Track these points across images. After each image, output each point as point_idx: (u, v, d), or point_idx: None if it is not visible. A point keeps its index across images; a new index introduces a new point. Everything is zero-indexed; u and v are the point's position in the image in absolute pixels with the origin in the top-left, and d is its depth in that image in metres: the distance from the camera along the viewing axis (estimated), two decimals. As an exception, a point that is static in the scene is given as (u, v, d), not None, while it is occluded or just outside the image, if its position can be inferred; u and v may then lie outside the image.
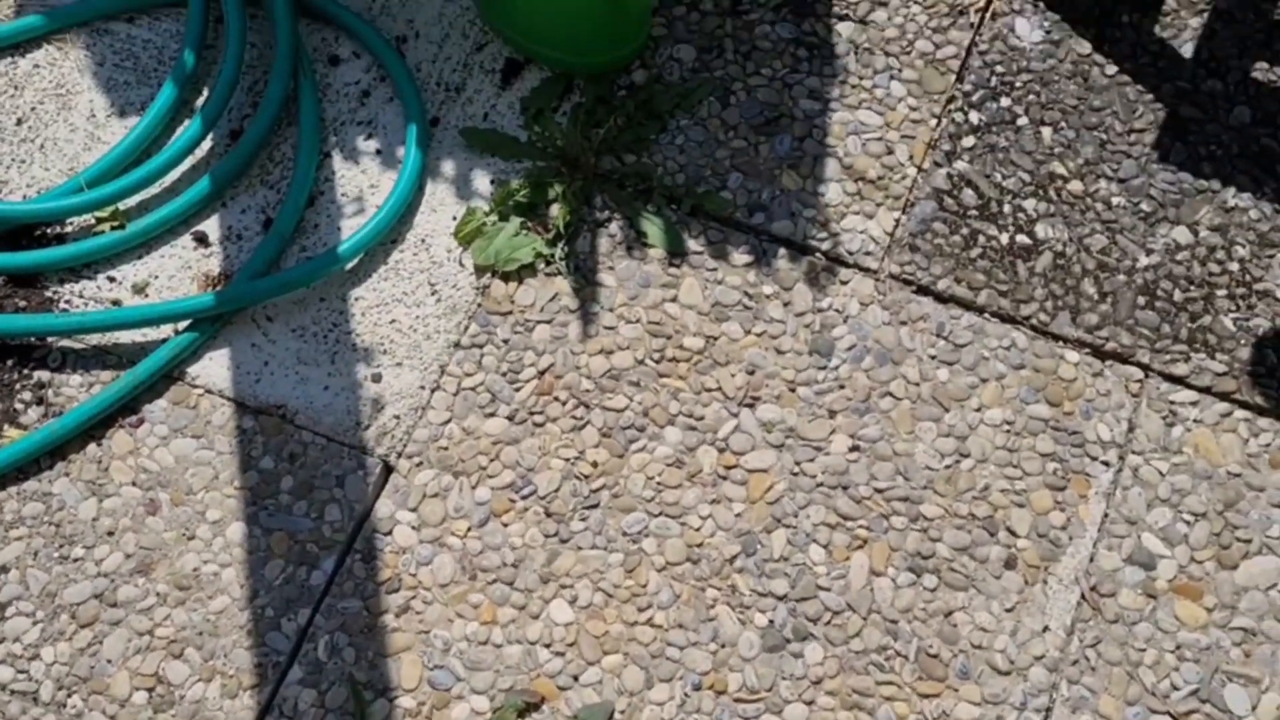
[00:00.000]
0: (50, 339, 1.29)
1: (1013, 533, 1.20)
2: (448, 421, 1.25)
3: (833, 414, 1.25)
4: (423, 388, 1.27)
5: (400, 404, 1.26)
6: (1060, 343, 1.27)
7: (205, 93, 1.41)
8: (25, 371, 1.28)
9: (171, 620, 1.17)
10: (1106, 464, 1.22)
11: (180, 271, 1.33)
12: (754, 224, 1.33)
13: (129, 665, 1.16)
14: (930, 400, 1.25)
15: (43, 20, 1.43)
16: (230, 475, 1.23)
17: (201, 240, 1.34)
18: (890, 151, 1.37)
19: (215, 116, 1.36)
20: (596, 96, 1.39)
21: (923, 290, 1.30)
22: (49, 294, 1.31)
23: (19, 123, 1.40)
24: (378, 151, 1.38)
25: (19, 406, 1.26)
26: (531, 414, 1.26)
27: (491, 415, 1.26)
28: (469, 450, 1.24)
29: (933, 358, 1.27)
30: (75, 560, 1.20)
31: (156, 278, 1.32)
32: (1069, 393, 1.25)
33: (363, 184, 1.37)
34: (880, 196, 1.34)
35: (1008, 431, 1.24)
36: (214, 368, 1.28)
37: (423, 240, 1.34)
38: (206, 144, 1.38)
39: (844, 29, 1.43)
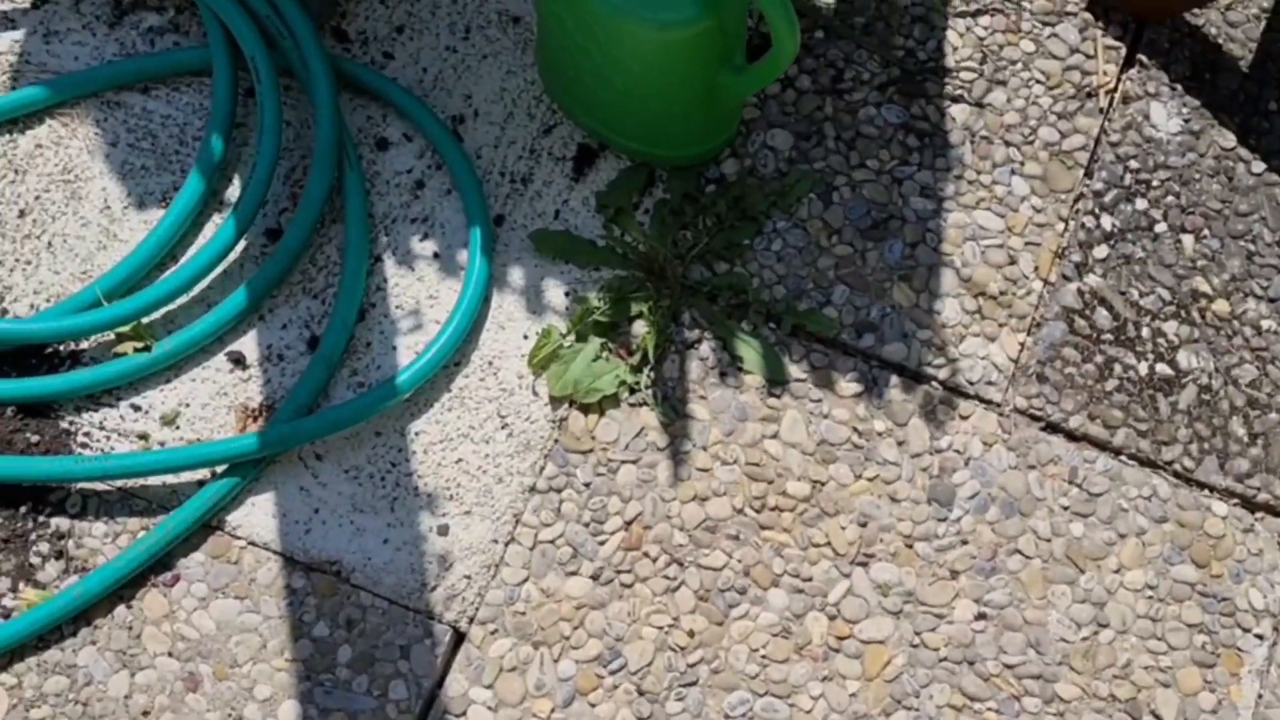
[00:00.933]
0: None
1: (1158, 717, 1.08)
2: (525, 581, 1.12)
3: (955, 574, 1.12)
4: (495, 541, 1.13)
5: (471, 561, 1.12)
6: (1206, 492, 1.15)
7: (236, 182, 1.24)
8: (41, 519, 1.13)
9: (219, 819, 1.05)
10: (1260, 637, 1.10)
11: (215, 399, 1.17)
12: (863, 347, 1.19)
13: None
14: (1063, 559, 1.13)
15: (45, 91, 1.25)
16: (280, 644, 1.10)
17: (238, 362, 1.18)
18: (1013, 261, 1.22)
19: (250, 217, 1.19)
20: (682, 193, 1.23)
21: (1052, 428, 1.17)
22: (65, 425, 1.16)
23: (21, 215, 1.23)
24: (435, 255, 1.22)
25: (35, 560, 1.12)
26: (619, 572, 1.12)
27: (574, 574, 1.12)
28: (549, 616, 1.11)
29: (1065, 509, 1.14)
30: (107, 746, 1.07)
31: (188, 406, 1.17)
32: (1217, 552, 1.13)
33: (420, 294, 1.21)
34: (1003, 315, 1.20)
35: (1150, 598, 1.11)
36: (258, 515, 1.13)
37: (490, 363, 1.19)
38: (239, 245, 1.22)
39: (958, 113, 1.27)
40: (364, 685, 1.09)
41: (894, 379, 1.18)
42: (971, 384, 1.18)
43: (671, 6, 1.07)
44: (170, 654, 1.09)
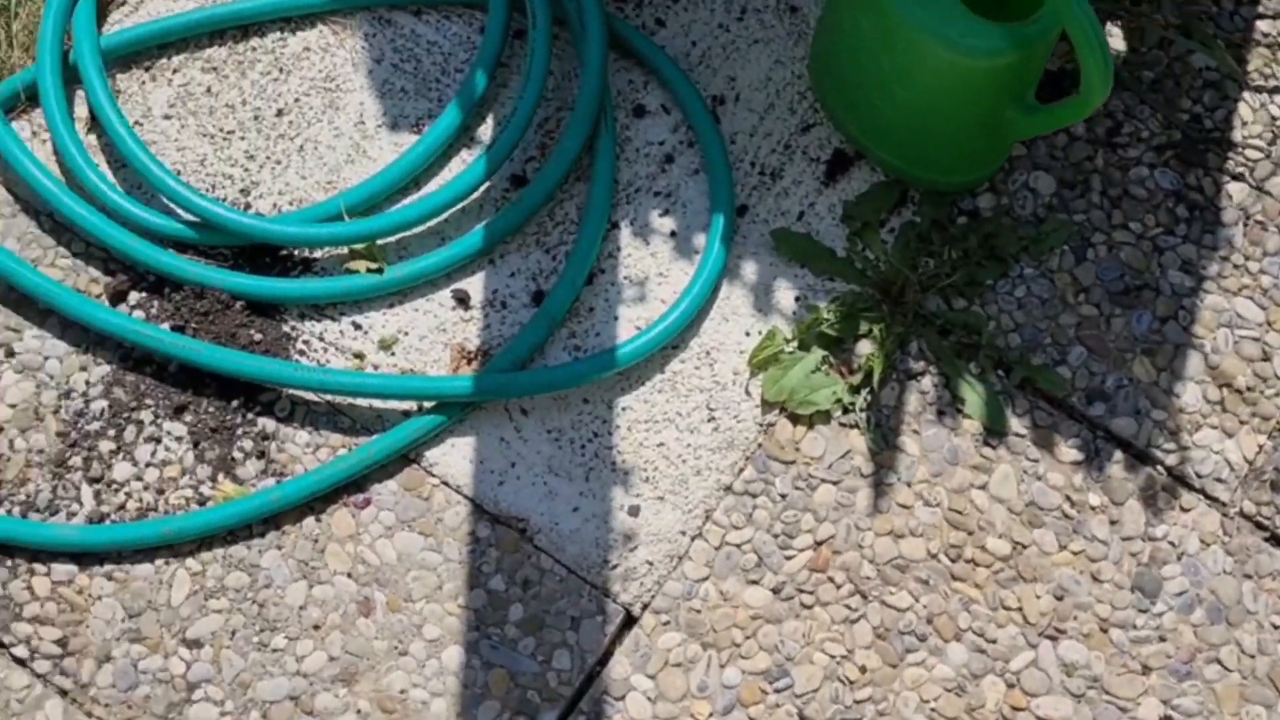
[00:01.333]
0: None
1: None
2: (705, 579, 1.10)
3: (1147, 670, 1.08)
4: (683, 533, 1.12)
5: (656, 547, 1.11)
6: None
7: (489, 122, 1.24)
8: (250, 416, 1.14)
9: (369, 747, 1.06)
10: None
11: (433, 332, 1.17)
12: (1091, 415, 1.14)
13: (317, 787, 1.05)
14: (1265, 680, 1.07)
15: (323, -4, 1.27)
16: (455, 589, 1.10)
17: (462, 301, 1.18)
18: (1266, 357, 1.16)
19: (502, 159, 1.19)
20: (933, 219, 1.19)
21: (1278, 540, 1.11)
22: (287, 329, 1.17)
23: (279, 114, 1.24)
24: (673, 233, 1.21)
25: (238, 455, 1.13)
26: (800, 591, 1.10)
27: (755, 583, 1.10)
28: (724, 620, 1.09)
29: (1276, 627, 1.08)
30: (275, 651, 1.08)
31: (406, 334, 1.17)
32: None
33: (650, 269, 1.20)
34: (1246, 413, 1.14)
35: (1350, 739, 1.06)
36: (455, 458, 1.14)
37: (708, 353, 1.17)
38: (483, 186, 1.22)
39: (1235, 191, 1.21)
40: (530, 648, 1.08)
41: (1118, 454, 1.13)
42: (1200, 477, 1.13)
43: (980, 34, 1.03)
44: (350, 575, 1.10)
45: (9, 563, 1.09)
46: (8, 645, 1.07)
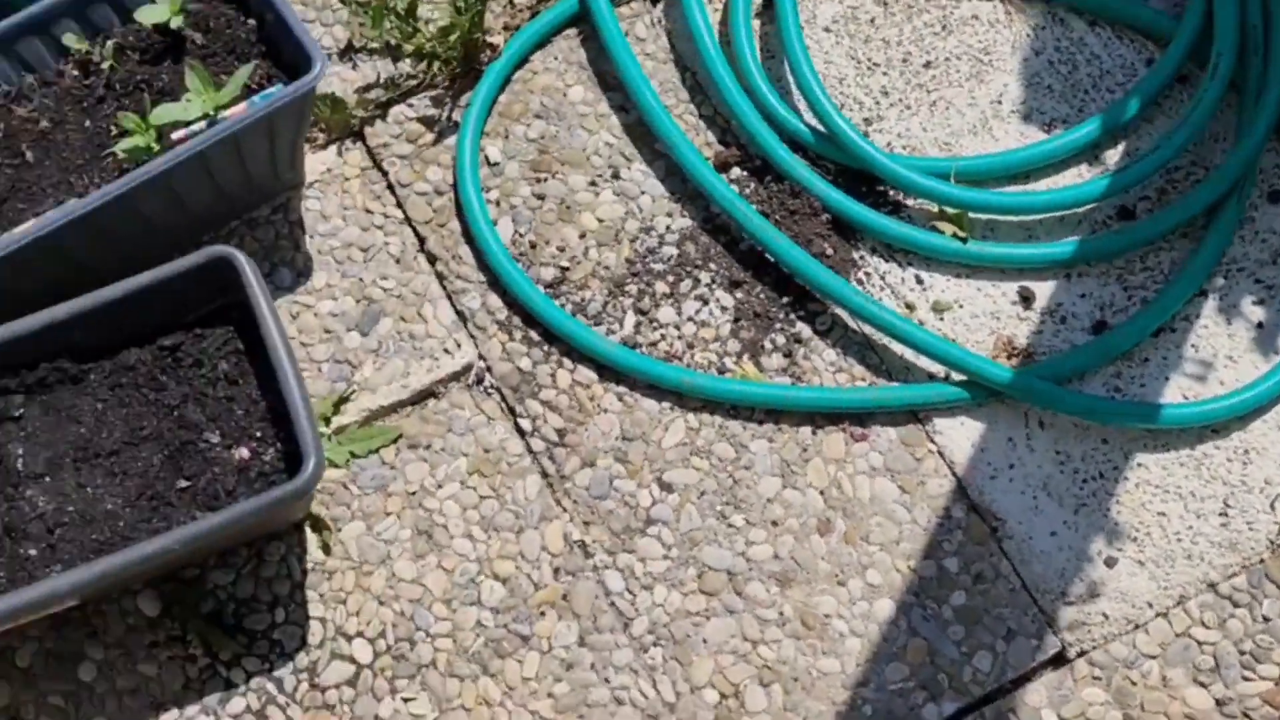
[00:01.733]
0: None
1: None
2: (1154, 658, 1.07)
3: None
4: (1150, 605, 1.09)
5: (1117, 604, 1.09)
6: None
7: (1117, 148, 1.24)
8: (792, 316, 1.21)
9: (779, 648, 1.11)
10: None
11: (985, 315, 1.20)
12: None
13: (718, 660, 1.11)
14: None
15: (1011, -24, 1.30)
16: (911, 550, 1.13)
17: (1026, 299, 1.19)
18: None
19: (1126, 188, 1.18)
20: None
21: None
22: (855, 256, 1.22)
23: (926, 65, 1.29)
24: (1259, 325, 1.17)
25: (768, 345, 1.20)
26: (1244, 715, 1.05)
27: (1202, 685, 1.06)
28: (1156, 704, 1.06)
29: None
30: (731, 526, 1.15)
31: (961, 306, 1.20)
32: None
33: (1220, 348, 1.16)
34: None
35: None
36: (960, 435, 1.16)
37: (1246, 451, 1.13)
38: (1090, 205, 1.22)
39: None
40: (958, 635, 1.10)
41: None
42: None
43: None
44: (822, 493, 1.15)
45: (546, 348, 1.22)
46: (517, 415, 1.20)
